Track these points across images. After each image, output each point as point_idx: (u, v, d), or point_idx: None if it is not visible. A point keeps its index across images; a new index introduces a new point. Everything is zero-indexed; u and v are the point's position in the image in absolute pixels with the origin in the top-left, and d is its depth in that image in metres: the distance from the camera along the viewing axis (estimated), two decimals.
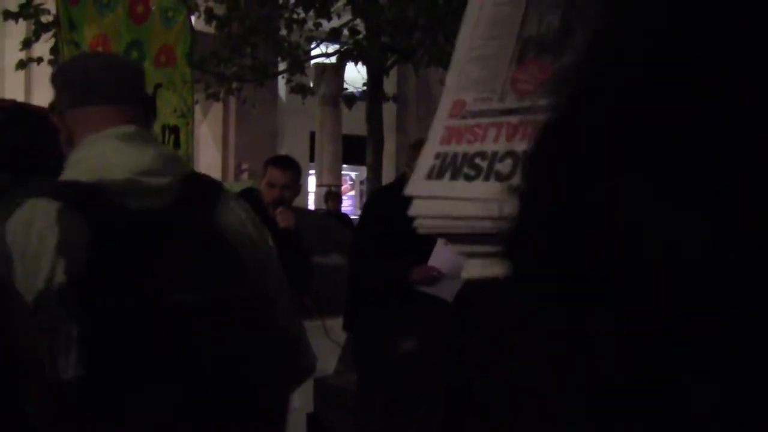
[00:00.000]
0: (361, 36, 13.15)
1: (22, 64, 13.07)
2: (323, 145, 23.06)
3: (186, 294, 1.99)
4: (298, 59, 14.56)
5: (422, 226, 1.20)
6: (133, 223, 2.02)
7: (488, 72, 1.14)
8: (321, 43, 14.98)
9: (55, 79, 2.23)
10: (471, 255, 1.18)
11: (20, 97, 16.88)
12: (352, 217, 19.22)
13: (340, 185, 22.41)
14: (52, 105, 2.27)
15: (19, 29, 14.59)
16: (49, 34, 11.90)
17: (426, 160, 1.18)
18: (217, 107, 20.06)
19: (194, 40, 7.67)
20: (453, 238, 1.22)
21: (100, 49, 7.05)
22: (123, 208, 2.02)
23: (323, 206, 18.16)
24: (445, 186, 1.13)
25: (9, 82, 19.08)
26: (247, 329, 2.13)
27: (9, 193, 2.11)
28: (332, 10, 13.49)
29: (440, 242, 5.57)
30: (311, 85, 18.79)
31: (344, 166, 24.50)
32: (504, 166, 1.11)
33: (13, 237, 1.90)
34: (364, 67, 13.95)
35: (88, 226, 1.94)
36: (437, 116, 1.19)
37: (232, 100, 16.86)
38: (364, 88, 14.72)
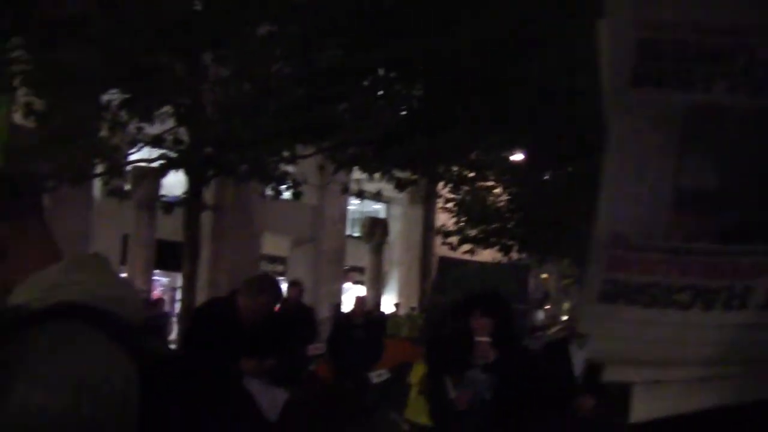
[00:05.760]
0: (183, 146, 13.10)
1: None
2: (136, 249, 22.62)
3: None
4: (117, 162, 14.34)
5: (598, 350, 1.37)
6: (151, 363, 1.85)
7: (644, 211, 1.29)
8: (142, 147, 14.81)
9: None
10: (661, 381, 1.34)
11: None
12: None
13: (151, 291, 21.95)
14: None
15: None
16: None
17: (594, 283, 1.31)
18: None
19: (9, 134, 7.48)
20: (638, 363, 1.37)
21: None
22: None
23: None
24: (620, 310, 1.28)
25: None
26: None
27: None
28: (155, 115, 13.41)
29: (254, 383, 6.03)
30: (128, 188, 18.47)
31: (156, 271, 24.04)
32: (682, 297, 1.31)
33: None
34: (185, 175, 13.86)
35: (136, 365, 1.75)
36: (595, 243, 1.34)
37: (45, 198, 16.36)
38: (184, 195, 14.59)
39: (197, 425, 1.91)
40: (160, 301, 21.32)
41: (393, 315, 27.58)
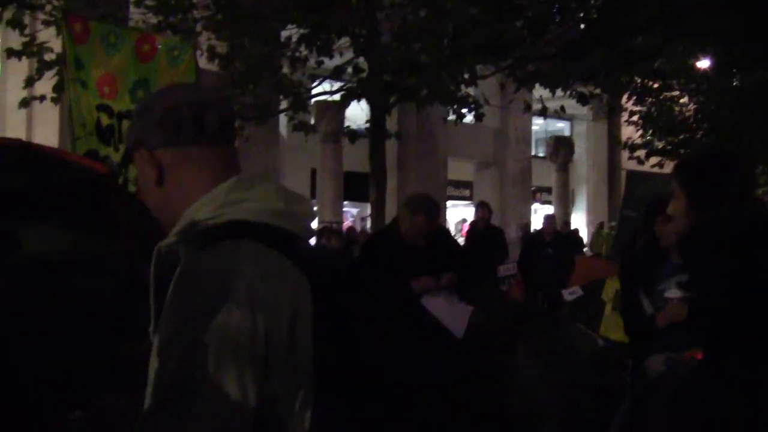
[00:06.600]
0: (364, 74, 13.18)
1: (24, 102, 13.08)
2: (324, 182, 23.10)
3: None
4: (300, 97, 14.60)
5: None
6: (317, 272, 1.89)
7: None
8: (323, 80, 15.03)
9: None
10: None
11: (22, 135, 16.93)
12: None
13: (342, 222, 22.40)
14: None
15: (21, 67, 14.65)
16: (52, 72, 11.92)
17: None
18: None
19: (198, 78, 7.70)
20: None
21: (106, 88, 7.07)
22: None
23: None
24: None
25: (11, 119, 19.12)
26: None
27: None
28: (334, 48, 13.55)
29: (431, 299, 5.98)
30: (312, 122, 18.83)
31: (345, 202, 24.51)
32: None
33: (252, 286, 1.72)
34: (367, 105, 13.99)
35: (308, 280, 1.81)
36: None
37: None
38: (367, 125, 14.74)
39: (368, 337, 1.93)
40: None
41: (596, 234, 27.24)
